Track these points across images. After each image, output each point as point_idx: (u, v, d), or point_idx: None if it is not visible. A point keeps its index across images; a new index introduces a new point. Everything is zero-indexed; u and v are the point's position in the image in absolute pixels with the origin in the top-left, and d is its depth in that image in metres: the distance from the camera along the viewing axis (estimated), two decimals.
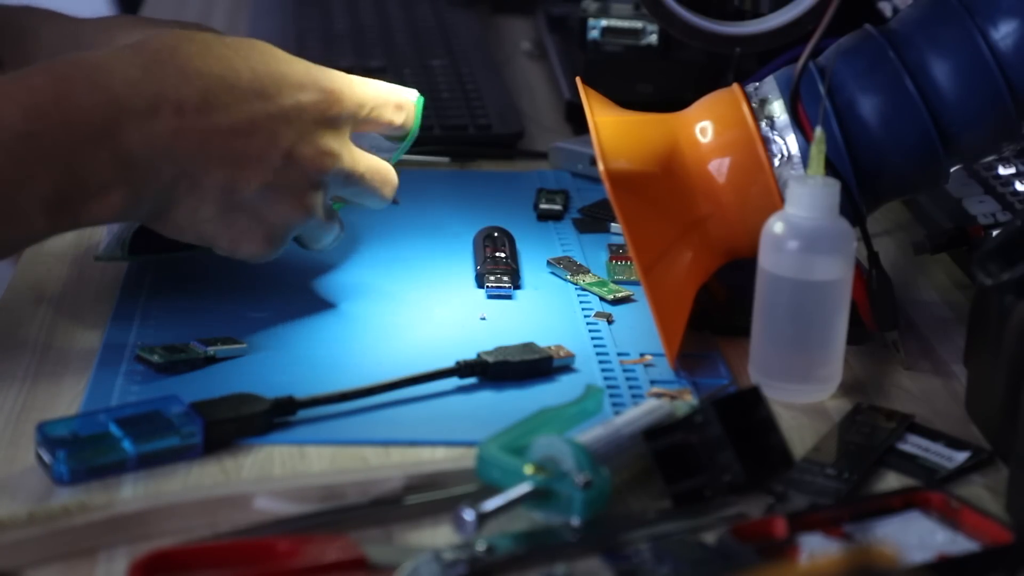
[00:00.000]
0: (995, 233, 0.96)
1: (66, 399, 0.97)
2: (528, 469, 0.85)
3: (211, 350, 1.01)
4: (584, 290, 1.13)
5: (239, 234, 1.01)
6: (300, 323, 1.07)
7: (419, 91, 1.46)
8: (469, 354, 1.01)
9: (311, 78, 1.02)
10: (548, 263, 1.16)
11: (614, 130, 1.04)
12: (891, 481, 0.92)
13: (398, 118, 1.08)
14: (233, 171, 0.99)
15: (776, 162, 1.03)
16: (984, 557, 0.84)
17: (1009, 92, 1.03)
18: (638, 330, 1.07)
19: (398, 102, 1.09)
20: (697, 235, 1.04)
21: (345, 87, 1.04)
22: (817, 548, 0.84)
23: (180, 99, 0.97)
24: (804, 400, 1.00)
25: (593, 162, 1.29)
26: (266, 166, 1.00)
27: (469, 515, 0.82)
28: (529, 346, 1.02)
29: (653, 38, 1.43)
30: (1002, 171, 1.22)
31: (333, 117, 1.02)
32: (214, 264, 1.14)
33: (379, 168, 1.06)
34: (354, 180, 1.04)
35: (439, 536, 0.85)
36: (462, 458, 0.89)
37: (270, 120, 1.00)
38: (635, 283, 1.13)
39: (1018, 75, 1.03)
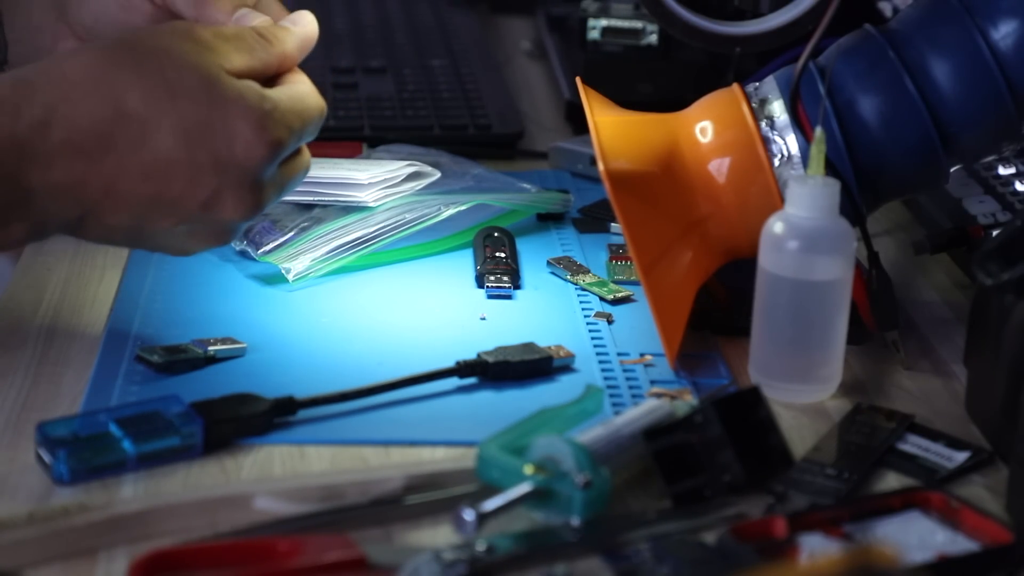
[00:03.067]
0: (995, 233, 0.96)
1: (66, 399, 0.97)
2: (528, 469, 0.85)
3: (211, 350, 1.01)
4: (584, 290, 1.13)
5: (157, 249, 0.99)
6: (300, 323, 1.07)
7: (419, 91, 1.48)
8: (469, 354, 1.01)
9: (249, 122, 0.94)
10: (548, 263, 1.16)
11: (614, 130, 1.04)
12: (891, 481, 0.92)
13: (317, 130, 1.01)
14: (143, 213, 0.95)
15: (776, 162, 1.03)
16: (984, 557, 0.84)
17: (1009, 92, 1.03)
18: (638, 330, 1.07)
19: (321, 112, 1.00)
20: (697, 235, 1.04)
21: (282, 130, 0.95)
22: (817, 548, 0.84)
23: (88, 146, 0.92)
24: (804, 400, 1.00)
25: (593, 162, 1.28)
26: (180, 212, 0.95)
27: (469, 515, 0.82)
28: (529, 346, 1.02)
29: (653, 38, 1.43)
30: (1002, 171, 1.22)
31: (265, 167, 0.95)
32: (214, 265, 1.14)
33: (302, 170, 1.01)
34: (281, 196, 1.01)
35: (439, 536, 0.85)
36: (462, 458, 0.89)
37: (193, 168, 0.94)
38: (635, 283, 1.13)
39: (1018, 75, 1.03)
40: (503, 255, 1.15)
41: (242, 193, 0.95)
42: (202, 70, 0.94)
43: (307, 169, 1.02)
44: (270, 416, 0.94)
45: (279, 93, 0.97)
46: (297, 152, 1.01)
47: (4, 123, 0.91)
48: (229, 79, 0.95)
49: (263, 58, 0.98)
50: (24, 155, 0.92)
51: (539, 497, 0.85)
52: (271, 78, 0.99)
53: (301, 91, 0.99)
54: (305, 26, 1.02)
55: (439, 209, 1.17)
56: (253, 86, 0.96)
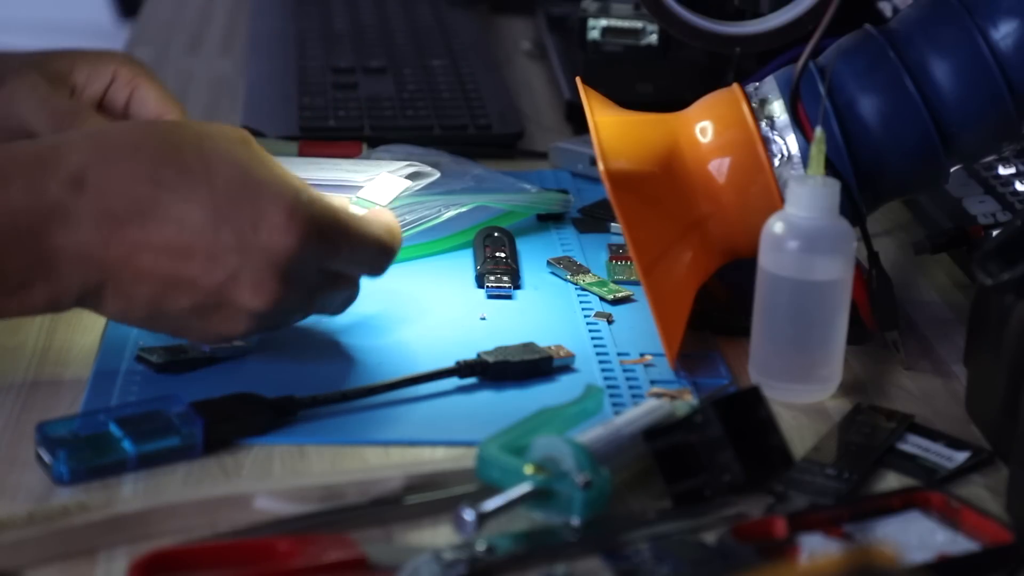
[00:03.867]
0: (995, 233, 0.96)
1: (66, 399, 0.97)
2: (528, 469, 0.85)
3: (211, 350, 1.01)
4: (584, 290, 1.13)
5: (180, 332, 0.97)
6: (300, 323, 1.07)
7: (419, 91, 1.48)
8: (469, 354, 1.01)
9: (280, 207, 0.93)
10: (548, 263, 1.16)
11: (614, 130, 1.04)
12: (891, 481, 0.92)
13: (378, 265, 1.01)
14: (162, 288, 0.93)
15: (776, 162, 1.03)
16: (984, 557, 0.84)
17: (1009, 92, 1.03)
18: (638, 330, 1.07)
19: (382, 246, 1.00)
20: (697, 235, 1.04)
21: (312, 225, 0.94)
22: (817, 548, 0.84)
23: (118, 210, 0.91)
24: (804, 400, 1.00)
25: (593, 162, 1.29)
26: (197, 291, 0.93)
27: (469, 515, 0.82)
28: (529, 346, 1.02)
29: (653, 38, 1.43)
30: (1002, 171, 1.22)
31: (289, 257, 0.93)
32: None
33: (343, 296, 1.01)
34: (308, 312, 0.99)
35: (439, 536, 0.85)
36: (462, 458, 0.89)
37: (214, 247, 0.92)
38: (635, 283, 1.13)
39: (1018, 75, 1.03)
40: (503, 255, 1.15)
41: (261, 278, 0.93)
42: (242, 155, 0.94)
43: (348, 297, 1.01)
44: (270, 416, 0.94)
45: (327, 198, 0.96)
46: (344, 279, 1.00)
47: (37, 181, 0.90)
48: (269, 167, 0.94)
49: None
50: (54, 215, 0.91)
51: (539, 497, 0.85)
52: None
53: (359, 214, 0.99)
54: None
55: (439, 211, 1.17)
56: (293, 176, 0.95)
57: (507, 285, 1.12)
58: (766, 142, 1.04)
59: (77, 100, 1.09)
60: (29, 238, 0.90)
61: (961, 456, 0.94)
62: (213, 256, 0.93)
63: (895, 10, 1.41)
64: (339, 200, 0.99)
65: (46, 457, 0.89)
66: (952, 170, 1.07)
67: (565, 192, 1.25)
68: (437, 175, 1.18)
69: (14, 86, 1.07)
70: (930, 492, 0.88)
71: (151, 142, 0.93)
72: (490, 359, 1.00)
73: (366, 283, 1.13)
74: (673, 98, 1.20)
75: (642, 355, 1.04)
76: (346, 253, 0.97)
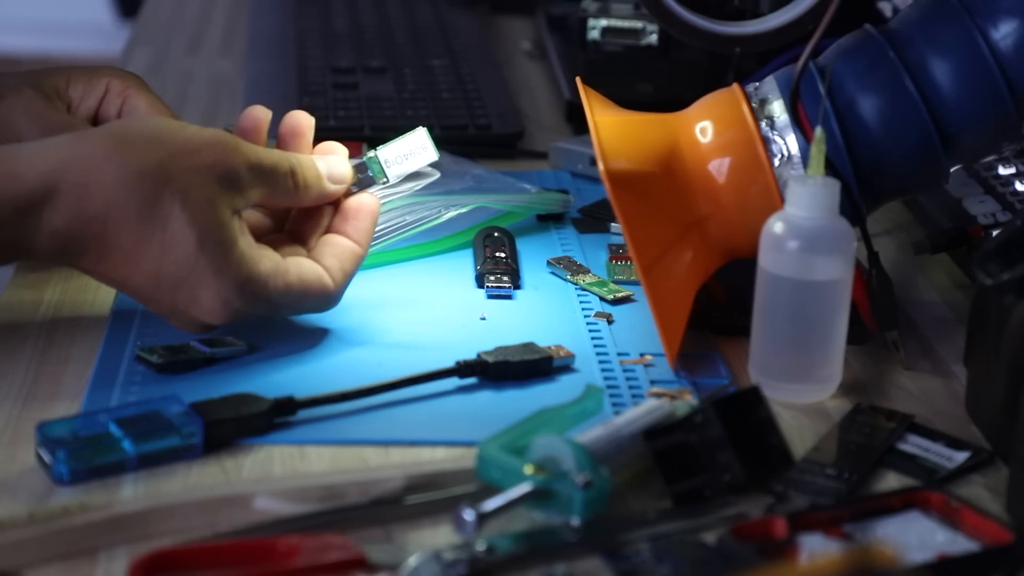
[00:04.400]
0: (995, 233, 0.96)
1: (66, 399, 0.97)
2: (528, 469, 0.85)
3: (211, 350, 1.01)
4: (584, 290, 1.13)
5: None
6: (300, 323, 1.07)
7: (419, 91, 1.48)
8: (469, 354, 1.01)
9: (217, 297, 0.98)
10: (548, 263, 1.16)
11: (614, 130, 1.04)
12: (891, 481, 0.92)
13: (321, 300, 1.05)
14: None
15: (776, 162, 1.03)
16: (984, 557, 0.84)
17: (1009, 92, 1.03)
18: (638, 330, 1.07)
19: (321, 305, 1.04)
20: (697, 235, 1.04)
21: (249, 307, 0.99)
22: (817, 548, 0.84)
23: (79, 254, 0.97)
24: (804, 400, 1.00)
25: (593, 162, 1.29)
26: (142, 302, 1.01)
27: (469, 515, 0.82)
28: (529, 346, 1.02)
29: (653, 38, 1.43)
30: (1002, 171, 1.22)
31: (216, 327, 1.00)
32: None
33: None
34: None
35: (439, 536, 0.85)
36: (462, 458, 0.89)
37: (151, 300, 0.99)
38: (635, 283, 1.13)
39: (1018, 75, 1.03)
40: (503, 255, 1.15)
41: (190, 328, 1.01)
42: (207, 227, 0.96)
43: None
44: (270, 416, 0.94)
45: (279, 275, 0.99)
46: None
47: (24, 237, 0.96)
48: (229, 242, 0.97)
49: (281, 199, 1.02)
50: (29, 253, 0.97)
51: (539, 497, 0.85)
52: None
53: (309, 274, 1.01)
54: (333, 182, 1.05)
55: (439, 211, 1.17)
56: (250, 256, 0.98)
57: (507, 285, 1.12)
58: (766, 142, 1.04)
59: (73, 115, 1.10)
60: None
61: (961, 456, 0.94)
62: (150, 302, 1.00)
63: (895, 10, 1.41)
64: (297, 268, 1.00)
65: (46, 457, 0.89)
66: (952, 170, 1.07)
67: (565, 192, 1.25)
68: (437, 175, 1.18)
69: (10, 103, 1.08)
70: (930, 492, 0.88)
71: (133, 199, 0.96)
72: (490, 359, 1.00)
73: (364, 283, 1.13)
74: (673, 98, 1.20)
75: (642, 355, 1.04)
76: (281, 315, 1.04)
